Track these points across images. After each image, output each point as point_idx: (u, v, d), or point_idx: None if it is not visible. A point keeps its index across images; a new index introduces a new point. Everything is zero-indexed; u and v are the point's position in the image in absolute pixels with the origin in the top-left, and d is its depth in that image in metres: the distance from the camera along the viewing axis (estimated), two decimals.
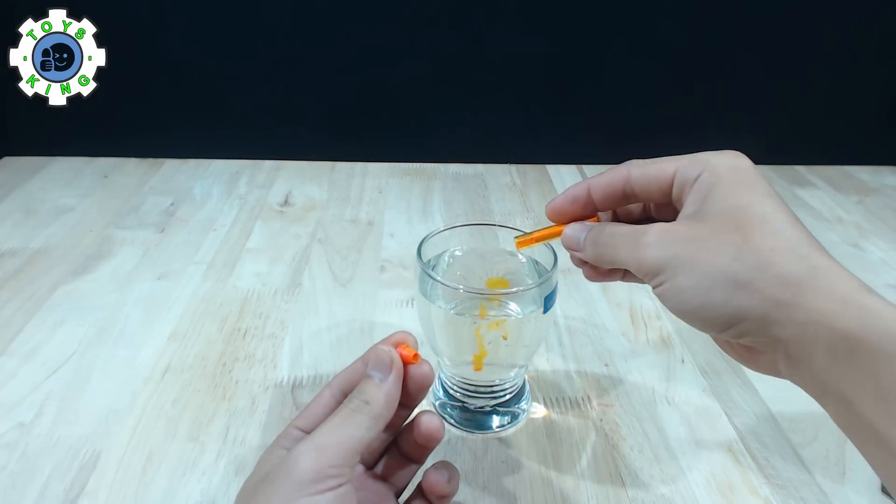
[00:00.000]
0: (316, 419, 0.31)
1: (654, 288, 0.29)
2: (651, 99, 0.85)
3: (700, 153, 0.30)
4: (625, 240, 0.30)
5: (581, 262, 0.34)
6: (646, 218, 0.34)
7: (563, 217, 0.34)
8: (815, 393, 0.26)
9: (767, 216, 0.27)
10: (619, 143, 0.88)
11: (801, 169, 0.89)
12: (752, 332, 0.27)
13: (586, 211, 0.33)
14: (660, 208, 0.33)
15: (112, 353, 0.51)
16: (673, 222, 0.29)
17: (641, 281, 0.31)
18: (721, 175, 0.29)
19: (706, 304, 0.27)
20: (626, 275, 0.34)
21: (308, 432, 0.30)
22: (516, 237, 0.37)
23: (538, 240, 0.36)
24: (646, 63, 0.83)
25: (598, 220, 0.34)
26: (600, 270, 0.34)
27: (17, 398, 0.47)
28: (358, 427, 0.29)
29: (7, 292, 0.58)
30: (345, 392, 0.32)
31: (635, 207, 0.35)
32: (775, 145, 0.89)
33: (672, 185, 0.30)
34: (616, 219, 0.34)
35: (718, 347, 0.32)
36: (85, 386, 0.48)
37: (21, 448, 0.43)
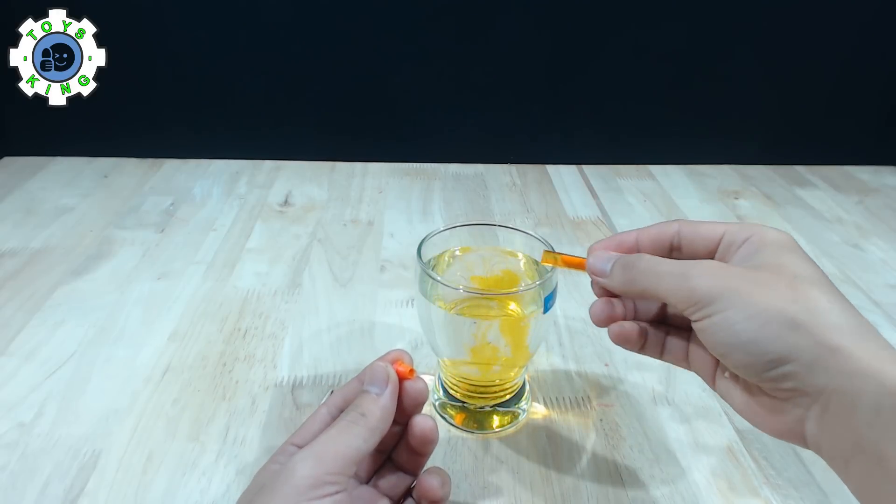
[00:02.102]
0: (312, 436, 0.32)
1: (699, 320, 0.29)
2: (651, 99, 0.85)
3: (750, 224, 0.31)
4: (672, 268, 0.30)
5: (601, 292, 0.34)
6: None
7: None
8: (841, 452, 0.26)
9: (818, 276, 0.28)
10: (619, 143, 0.88)
11: (801, 169, 0.89)
12: (796, 376, 0.26)
13: None
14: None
15: (112, 353, 0.51)
16: (725, 264, 0.30)
17: (642, 349, 0.33)
18: (769, 239, 0.30)
19: (757, 338, 0.27)
20: (638, 312, 0.34)
21: None
22: (545, 251, 0.39)
23: (564, 264, 0.37)
24: (646, 63, 0.83)
25: None
26: (613, 306, 0.34)
27: (17, 398, 0.47)
28: (355, 438, 0.30)
29: (7, 292, 0.58)
30: (341, 409, 0.33)
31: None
32: (775, 145, 0.89)
33: (719, 244, 0.31)
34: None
35: (735, 411, 0.31)
36: (85, 386, 0.48)
37: (21, 448, 0.43)
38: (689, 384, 0.50)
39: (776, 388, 0.27)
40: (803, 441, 0.28)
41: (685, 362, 0.33)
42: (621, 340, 0.34)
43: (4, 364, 0.50)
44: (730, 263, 0.30)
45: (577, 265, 0.36)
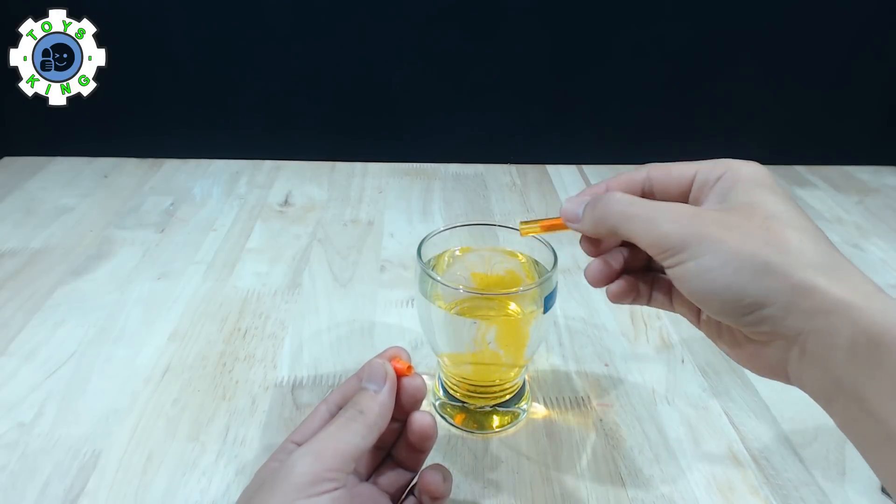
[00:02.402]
0: (311, 433, 0.32)
1: (671, 266, 0.28)
2: (651, 99, 0.85)
3: (720, 159, 0.30)
4: (642, 210, 0.29)
5: (590, 249, 0.34)
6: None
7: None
8: (824, 392, 0.26)
9: (791, 213, 0.27)
10: (619, 143, 0.88)
11: (801, 169, 0.89)
12: (772, 320, 0.26)
13: None
14: None
15: (112, 353, 0.51)
16: (696, 206, 0.29)
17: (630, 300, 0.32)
18: (743, 176, 0.29)
19: (731, 284, 0.26)
20: (622, 246, 0.33)
21: None
22: (521, 222, 0.37)
23: (543, 228, 0.36)
24: (646, 63, 0.83)
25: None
26: (599, 246, 0.34)
27: (17, 398, 0.47)
28: (353, 435, 0.30)
29: (7, 292, 0.58)
30: (340, 407, 0.33)
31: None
32: (775, 145, 0.89)
33: (691, 186, 0.30)
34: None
35: (719, 350, 0.31)
36: (85, 386, 0.48)
37: (21, 448, 0.43)
38: (689, 384, 0.50)
39: (754, 332, 0.27)
40: (788, 380, 0.28)
41: (670, 306, 0.33)
42: (618, 298, 0.34)
43: (4, 364, 0.50)
44: (704, 205, 0.30)
45: (556, 225, 0.34)
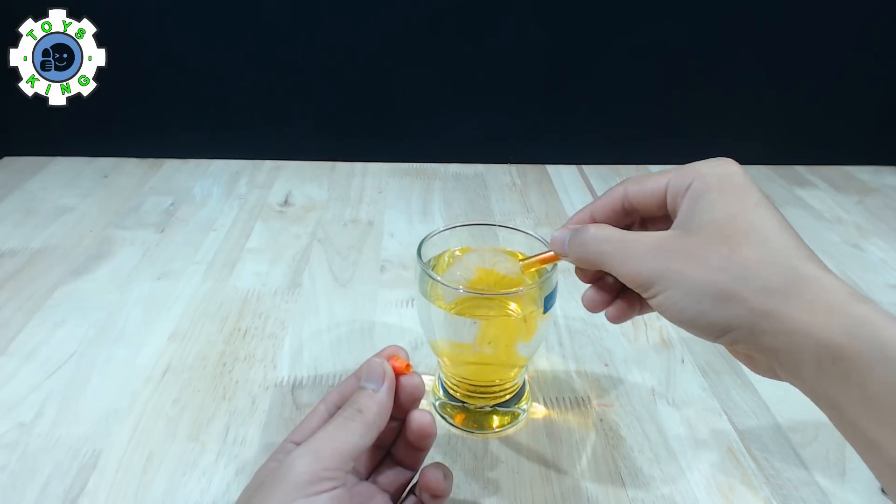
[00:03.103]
0: (310, 433, 0.32)
1: (648, 299, 0.29)
2: (651, 99, 0.85)
3: (691, 163, 0.30)
4: (615, 248, 0.30)
5: (579, 270, 0.35)
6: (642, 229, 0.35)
7: None
8: (810, 398, 0.27)
9: (756, 226, 0.27)
10: (620, 143, 0.88)
11: (801, 169, 0.89)
12: (743, 341, 0.27)
13: None
14: (654, 223, 0.34)
15: (112, 353, 0.51)
16: (662, 233, 0.30)
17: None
18: (710, 184, 0.29)
19: (698, 315, 0.27)
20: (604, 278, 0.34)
21: None
22: (521, 261, 0.39)
23: (540, 263, 0.37)
24: (646, 63, 0.83)
25: None
26: (591, 274, 0.34)
27: (17, 398, 0.47)
28: (352, 434, 0.30)
29: (7, 292, 0.58)
30: (339, 406, 0.33)
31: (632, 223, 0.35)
32: (775, 145, 0.89)
33: (666, 198, 0.31)
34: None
35: (719, 350, 0.32)
36: (85, 386, 0.48)
37: (21, 448, 0.43)
38: (689, 384, 0.50)
39: (733, 349, 0.29)
40: (780, 380, 0.29)
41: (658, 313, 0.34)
42: (617, 320, 0.34)
43: (4, 364, 0.50)
44: (676, 218, 0.30)
45: (552, 259, 0.36)
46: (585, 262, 0.32)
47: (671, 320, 0.29)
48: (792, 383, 0.28)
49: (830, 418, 0.26)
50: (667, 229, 0.30)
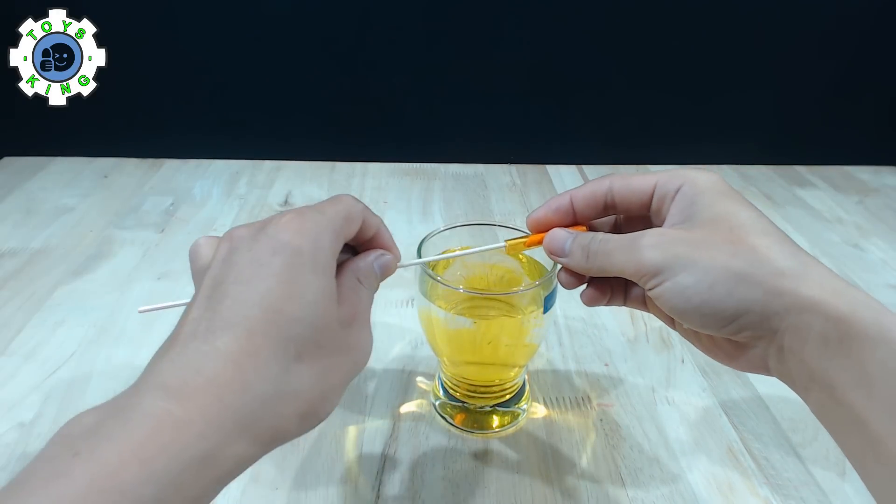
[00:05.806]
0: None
1: (652, 288, 0.29)
2: (651, 99, 0.85)
3: (678, 169, 0.31)
4: (619, 244, 0.31)
5: (564, 270, 0.34)
6: (615, 232, 0.34)
7: (546, 227, 0.34)
8: (800, 383, 0.27)
9: (754, 220, 0.29)
10: (619, 143, 0.88)
11: (801, 169, 0.89)
12: (752, 326, 0.27)
13: (567, 220, 0.34)
14: (630, 223, 0.34)
15: (112, 353, 0.51)
16: (663, 228, 0.30)
17: (614, 303, 0.33)
18: (702, 187, 0.30)
19: (709, 299, 0.27)
20: (592, 281, 0.34)
21: None
22: (506, 240, 0.37)
23: (527, 245, 0.36)
24: (646, 63, 0.83)
25: (586, 229, 0.34)
26: (578, 277, 0.34)
27: (17, 398, 0.47)
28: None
29: (7, 292, 0.58)
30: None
31: (605, 222, 0.35)
32: (775, 145, 0.89)
33: (652, 198, 0.31)
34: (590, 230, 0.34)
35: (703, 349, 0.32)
36: (85, 386, 0.48)
37: (21, 448, 0.42)
38: (689, 384, 0.50)
39: (734, 338, 0.29)
40: (767, 372, 0.29)
41: (644, 307, 0.34)
42: (592, 303, 0.34)
43: (4, 364, 0.50)
44: (667, 218, 0.31)
45: (538, 243, 0.34)
46: (590, 268, 0.32)
47: (675, 310, 0.29)
48: (781, 371, 0.28)
49: (817, 402, 0.27)
50: (643, 230, 0.30)
